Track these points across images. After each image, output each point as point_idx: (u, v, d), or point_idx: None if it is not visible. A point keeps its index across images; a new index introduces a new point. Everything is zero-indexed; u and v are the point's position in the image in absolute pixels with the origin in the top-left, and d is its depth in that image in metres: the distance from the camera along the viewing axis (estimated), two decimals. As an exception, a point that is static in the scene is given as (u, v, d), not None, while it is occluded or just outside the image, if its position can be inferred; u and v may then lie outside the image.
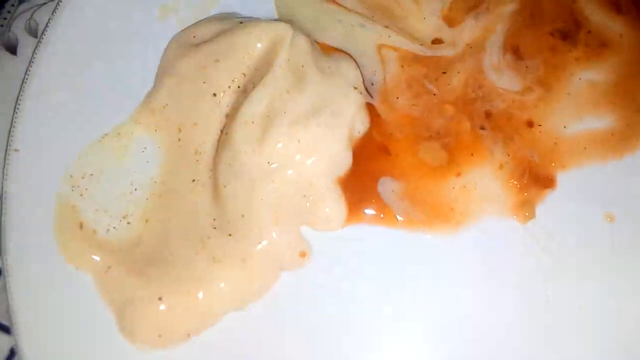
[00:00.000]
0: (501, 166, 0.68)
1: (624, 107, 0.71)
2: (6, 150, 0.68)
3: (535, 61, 0.73)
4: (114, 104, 0.71)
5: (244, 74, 0.68)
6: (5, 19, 0.73)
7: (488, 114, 0.71)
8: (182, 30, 0.73)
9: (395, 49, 0.73)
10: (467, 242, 0.66)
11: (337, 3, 0.76)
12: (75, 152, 0.69)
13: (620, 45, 0.74)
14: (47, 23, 0.73)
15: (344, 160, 0.67)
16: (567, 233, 0.66)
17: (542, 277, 0.64)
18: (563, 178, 0.68)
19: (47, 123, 0.70)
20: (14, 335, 0.62)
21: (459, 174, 0.68)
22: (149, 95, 0.71)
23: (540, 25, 0.75)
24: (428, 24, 0.75)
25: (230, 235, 0.64)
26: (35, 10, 0.74)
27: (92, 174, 0.68)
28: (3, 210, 0.66)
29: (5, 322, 0.63)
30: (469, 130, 0.70)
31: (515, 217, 0.66)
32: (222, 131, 0.67)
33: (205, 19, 0.75)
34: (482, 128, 0.70)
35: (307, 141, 0.65)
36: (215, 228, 0.64)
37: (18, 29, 0.73)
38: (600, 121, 0.70)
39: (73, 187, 0.67)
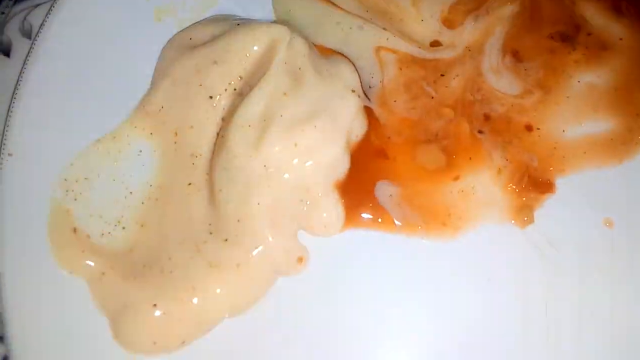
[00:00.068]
0: (500, 170, 0.67)
1: (624, 111, 0.70)
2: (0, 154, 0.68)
3: (535, 64, 0.72)
4: (109, 107, 0.70)
5: (240, 77, 0.67)
6: (-2, 20, 0.73)
7: (487, 117, 0.70)
8: (179, 32, 0.73)
9: (393, 51, 0.73)
10: (465, 247, 0.65)
11: (335, 5, 0.75)
12: (70, 156, 0.68)
13: (620, 48, 0.73)
14: (41, 25, 0.72)
15: (341, 164, 0.67)
16: (565, 238, 0.66)
17: (541, 282, 0.64)
18: (562, 183, 0.67)
19: (41, 126, 0.69)
20: (6, 345, 0.61)
21: (457, 178, 0.67)
22: (145, 98, 0.70)
23: (539, 28, 0.74)
24: (427, 26, 0.75)
25: (226, 240, 0.63)
26: (29, 12, 0.73)
27: (86, 178, 0.68)
28: (-4, 215, 0.66)
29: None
30: (468, 133, 0.69)
31: (513, 222, 0.66)
32: (218, 134, 0.67)
33: (201, 20, 0.74)
34: (481, 132, 0.69)
35: (304, 145, 0.64)
36: (211, 233, 0.64)
37: (12, 31, 0.72)
38: (599, 125, 0.70)
39: (67, 191, 0.67)
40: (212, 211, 0.64)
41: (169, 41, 0.72)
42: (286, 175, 0.64)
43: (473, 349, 0.62)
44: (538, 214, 0.66)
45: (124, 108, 0.70)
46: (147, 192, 0.67)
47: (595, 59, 0.73)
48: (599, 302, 0.63)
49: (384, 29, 0.74)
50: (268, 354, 0.62)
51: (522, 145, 0.68)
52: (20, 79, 0.70)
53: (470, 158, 0.68)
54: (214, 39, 0.69)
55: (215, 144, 0.67)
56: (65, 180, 0.67)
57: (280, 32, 0.67)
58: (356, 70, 0.71)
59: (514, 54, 0.73)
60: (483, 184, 0.67)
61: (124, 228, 0.66)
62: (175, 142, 0.68)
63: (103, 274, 0.63)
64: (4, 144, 0.68)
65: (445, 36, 0.74)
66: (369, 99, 0.71)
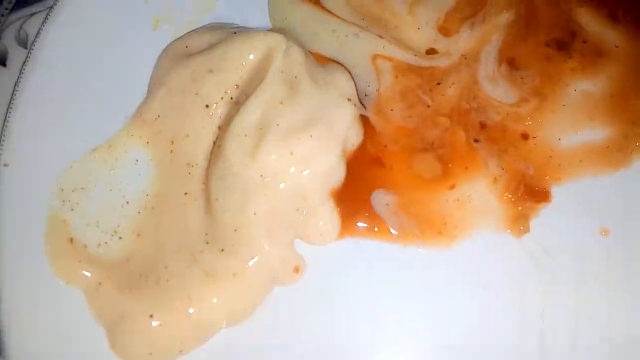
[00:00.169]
0: (496, 179, 0.67)
1: (620, 118, 0.70)
2: (-5, 162, 0.68)
3: (531, 72, 0.72)
4: (106, 116, 0.70)
5: (236, 85, 0.67)
6: (-6, 29, 0.73)
7: (483, 126, 0.70)
8: (175, 40, 0.73)
9: (389, 59, 0.73)
10: (462, 256, 0.65)
11: (331, 13, 0.75)
12: (66, 165, 0.68)
13: (616, 56, 0.73)
14: (37, 34, 0.72)
15: (337, 173, 0.67)
16: (561, 246, 0.66)
17: (537, 291, 0.64)
18: (558, 191, 0.67)
19: (37, 136, 0.69)
20: (4, 358, 0.61)
21: (453, 187, 0.67)
22: (141, 106, 0.70)
23: (535, 35, 0.74)
24: (423, 34, 0.75)
25: (222, 250, 0.63)
26: (25, 21, 0.73)
27: (83, 188, 0.67)
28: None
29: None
30: (464, 142, 0.69)
31: (509, 231, 0.66)
32: (214, 143, 0.67)
33: (198, 29, 0.74)
34: (477, 140, 0.69)
35: (300, 153, 0.64)
36: (207, 242, 0.64)
37: (8, 40, 0.72)
38: (595, 133, 0.70)
39: (64, 201, 0.67)
40: (208, 220, 0.64)
41: (164, 50, 0.72)
42: (282, 184, 0.64)
43: (470, 356, 0.62)
44: (534, 223, 0.66)
45: (121, 117, 0.70)
46: (144, 202, 0.67)
47: (591, 66, 0.72)
48: (595, 311, 0.63)
49: (380, 36, 0.74)
50: (265, 363, 0.62)
51: (518, 154, 0.68)
52: (16, 88, 0.70)
53: (466, 167, 0.68)
54: (210, 47, 0.69)
55: (211, 152, 0.66)
56: (62, 189, 0.67)
57: (277, 40, 0.67)
58: (352, 78, 0.71)
59: (510, 61, 0.73)
60: (479, 193, 0.67)
61: (120, 238, 0.66)
62: (171, 151, 0.68)
63: (100, 284, 0.63)
64: (0, 154, 0.68)
65: (441, 44, 0.74)
66: (365, 107, 0.71)
